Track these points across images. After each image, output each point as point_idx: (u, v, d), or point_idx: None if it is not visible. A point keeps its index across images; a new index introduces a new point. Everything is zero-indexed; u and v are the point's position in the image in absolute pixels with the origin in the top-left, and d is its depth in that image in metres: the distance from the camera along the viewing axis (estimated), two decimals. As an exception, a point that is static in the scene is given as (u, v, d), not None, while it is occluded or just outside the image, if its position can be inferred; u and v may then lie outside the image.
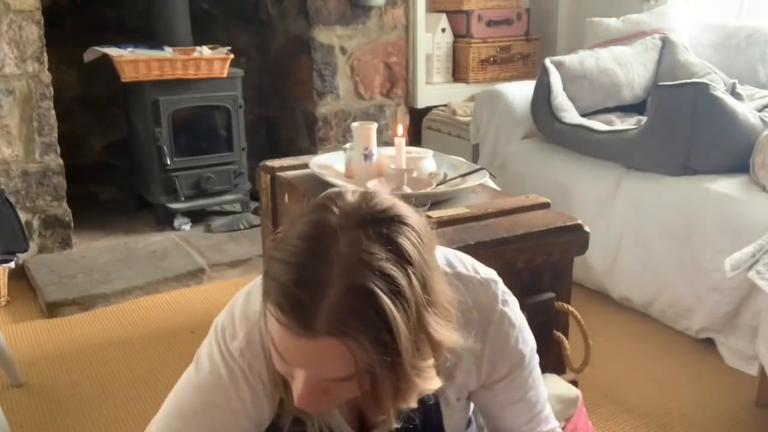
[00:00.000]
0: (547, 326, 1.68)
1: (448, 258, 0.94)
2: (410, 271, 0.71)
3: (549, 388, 1.49)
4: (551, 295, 1.70)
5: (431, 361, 0.75)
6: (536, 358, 1.01)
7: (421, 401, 0.86)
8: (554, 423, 1.04)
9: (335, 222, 0.72)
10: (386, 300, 0.69)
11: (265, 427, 0.92)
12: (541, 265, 1.68)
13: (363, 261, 0.70)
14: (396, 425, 0.81)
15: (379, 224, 0.73)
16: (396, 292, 0.69)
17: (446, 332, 0.75)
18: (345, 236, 0.71)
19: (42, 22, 2.84)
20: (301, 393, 0.74)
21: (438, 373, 0.79)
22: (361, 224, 0.72)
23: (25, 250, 2.49)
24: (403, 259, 0.71)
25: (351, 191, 0.77)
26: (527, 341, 0.97)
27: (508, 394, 0.98)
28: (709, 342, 2.33)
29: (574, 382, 1.71)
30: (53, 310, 2.62)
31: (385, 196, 0.76)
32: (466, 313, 0.86)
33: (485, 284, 0.93)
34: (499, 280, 0.96)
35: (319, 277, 0.69)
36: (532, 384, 0.99)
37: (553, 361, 1.70)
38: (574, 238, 1.71)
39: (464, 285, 0.88)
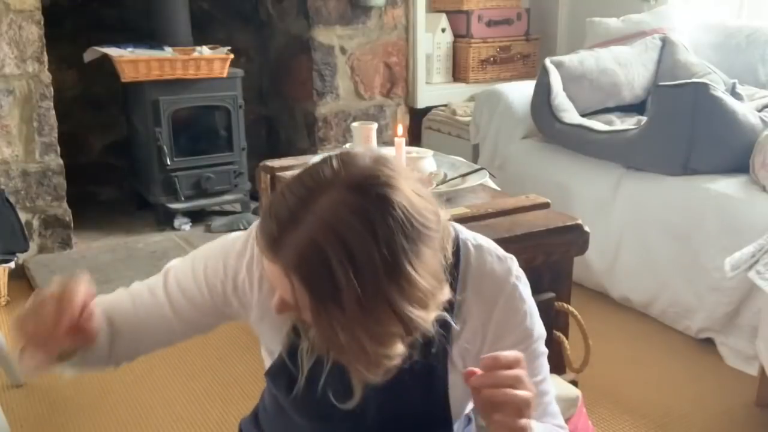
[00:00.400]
0: (547, 326, 1.67)
1: (476, 236, 0.99)
2: (374, 251, 0.75)
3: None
4: (551, 295, 1.70)
5: (392, 328, 0.79)
6: (543, 349, 1.01)
7: (429, 366, 0.92)
8: (562, 422, 1.03)
9: (328, 176, 0.78)
10: (337, 268, 0.74)
11: (251, 318, 0.99)
12: (541, 265, 1.68)
13: (332, 226, 0.75)
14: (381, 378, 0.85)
15: (365, 196, 0.76)
16: (351, 263, 0.74)
17: (415, 311, 0.78)
18: (330, 193, 0.76)
19: (42, 22, 2.84)
20: (275, 302, 0.83)
21: (412, 344, 0.84)
22: (349, 188, 0.76)
23: (25, 250, 2.50)
24: (371, 237, 0.75)
25: (366, 154, 0.81)
26: (535, 324, 0.98)
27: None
28: (709, 342, 2.33)
29: (574, 382, 1.71)
30: (53, 310, 2.62)
31: (390, 170, 0.79)
32: (480, 279, 0.93)
33: (503, 259, 0.98)
34: (516, 261, 1.00)
35: (292, 220, 0.76)
36: (538, 370, 0.99)
37: (553, 361, 1.70)
38: (574, 238, 1.71)
39: (483, 255, 0.95)
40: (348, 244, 0.74)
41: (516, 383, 0.79)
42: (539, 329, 0.99)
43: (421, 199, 0.80)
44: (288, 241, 0.76)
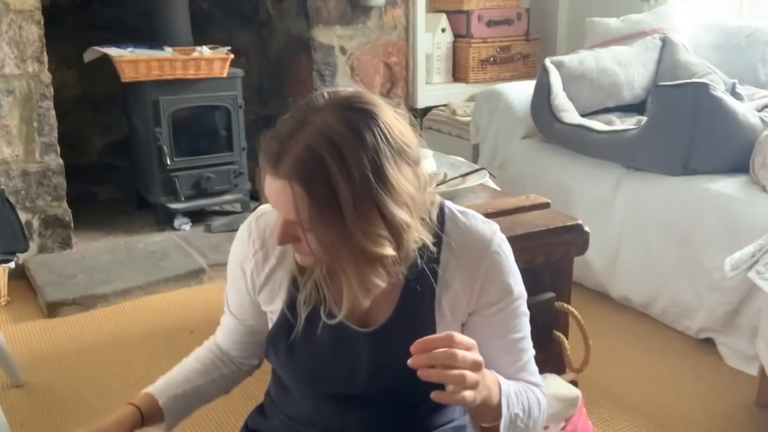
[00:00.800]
0: (547, 326, 1.68)
1: (461, 207, 1.09)
2: (362, 153, 0.87)
3: (549, 388, 1.49)
4: (551, 295, 1.69)
5: (381, 231, 0.90)
6: (525, 309, 1.07)
7: (418, 314, 1.01)
8: (540, 381, 1.10)
9: (321, 102, 0.91)
10: (332, 167, 0.86)
11: (265, 295, 1.08)
12: (541, 265, 1.68)
13: (326, 134, 0.88)
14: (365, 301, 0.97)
15: (353, 111, 0.90)
16: (343, 164, 0.87)
17: (398, 212, 0.90)
18: (323, 113, 0.89)
19: (42, 22, 2.85)
20: (277, 232, 0.93)
21: (401, 258, 0.95)
22: (339, 108, 0.90)
23: (25, 250, 2.49)
24: (359, 142, 0.88)
25: (352, 87, 0.97)
26: (517, 282, 1.06)
27: (493, 327, 1.04)
28: (709, 342, 2.33)
29: (574, 382, 1.71)
30: (53, 310, 2.62)
31: (373, 96, 0.93)
32: (467, 237, 1.03)
33: (488, 223, 1.07)
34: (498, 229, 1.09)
35: (291, 135, 0.89)
36: (518, 327, 1.06)
37: (553, 361, 1.70)
38: (574, 238, 1.71)
39: (468, 218, 1.05)
40: (340, 149, 0.87)
41: (451, 360, 0.85)
42: (520, 289, 1.06)
43: (400, 123, 0.93)
44: (288, 153, 0.88)
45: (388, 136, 0.90)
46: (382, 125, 0.90)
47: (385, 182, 0.89)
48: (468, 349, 0.88)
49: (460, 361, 0.86)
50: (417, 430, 1.08)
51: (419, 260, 0.97)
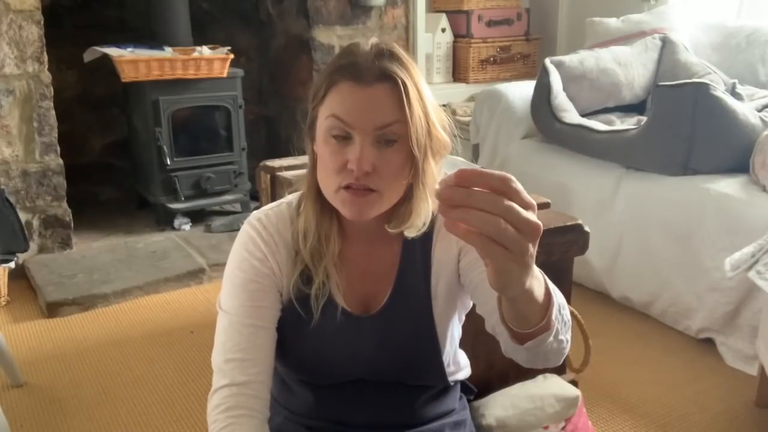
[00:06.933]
0: (547, 326, 1.68)
1: None
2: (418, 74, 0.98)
3: (549, 388, 1.50)
4: (551, 295, 1.69)
5: (435, 160, 0.99)
6: None
7: (415, 291, 1.04)
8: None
9: (360, 43, 0.98)
10: (406, 58, 0.97)
11: (285, 289, 1.05)
12: (541, 265, 1.67)
13: (385, 44, 0.97)
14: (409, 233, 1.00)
15: (390, 47, 0.98)
16: (411, 63, 0.98)
17: (443, 135, 0.99)
18: (366, 44, 0.98)
19: (42, 22, 2.85)
20: (357, 154, 0.93)
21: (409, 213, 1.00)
22: (378, 45, 0.98)
23: (25, 250, 2.49)
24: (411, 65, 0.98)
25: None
26: None
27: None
28: (709, 342, 2.33)
29: (574, 382, 1.71)
30: (53, 310, 2.62)
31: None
32: None
33: None
34: None
35: (357, 49, 0.97)
36: None
37: (553, 361, 1.70)
38: (574, 238, 1.71)
39: None
40: (399, 54, 0.97)
41: (506, 213, 0.63)
42: None
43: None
44: (367, 61, 0.95)
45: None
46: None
47: (429, 107, 0.98)
48: (527, 207, 0.65)
49: (511, 214, 0.63)
50: (418, 419, 1.10)
51: (418, 233, 1.01)
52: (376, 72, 0.94)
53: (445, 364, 1.10)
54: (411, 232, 1.01)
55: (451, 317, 1.09)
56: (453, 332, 1.11)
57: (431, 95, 0.99)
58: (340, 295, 1.04)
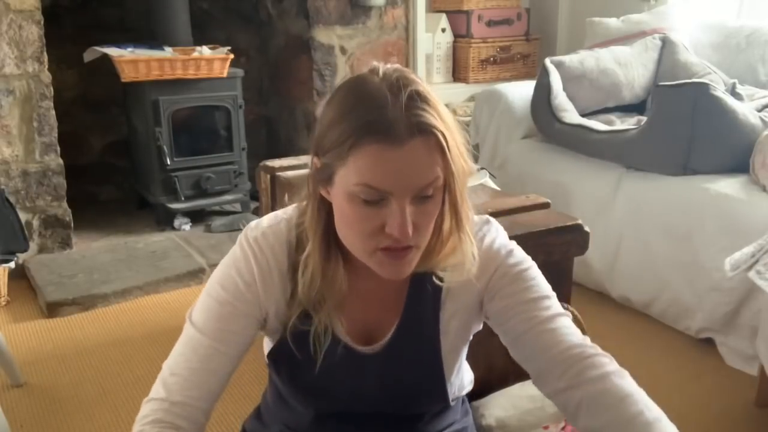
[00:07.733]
0: (547, 326, 1.68)
1: (505, 241, 1.04)
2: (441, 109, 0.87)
3: (549, 388, 1.49)
4: (551, 295, 1.69)
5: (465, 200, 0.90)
6: (544, 283, 1.05)
7: (423, 329, 0.98)
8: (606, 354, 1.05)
9: (375, 79, 0.86)
10: (431, 94, 0.85)
11: (268, 319, 0.99)
12: (541, 265, 1.67)
13: (405, 80, 0.85)
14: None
15: (413, 85, 0.85)
16: (438, 111, 0.86)
17: (471, 164, 0.89)
18: (383, 81, 0.85)
19: (42, 22, 2.84)
20: (398, 219, 0.84)
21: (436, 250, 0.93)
22: (397, 82, 0.85)
23: (25, 250, 2.50)
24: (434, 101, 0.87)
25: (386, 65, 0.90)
26: (519, 252, 1.04)
27: (519, 297, 0.99)
28: (709, 342, 2.33)
29: (574, 382, 1.71)
30: (53, 310, 2.62)
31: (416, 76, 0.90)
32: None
33: (506, 245, 1.04)
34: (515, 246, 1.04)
35: (381, 96, 0.83)
36: (543, 289, 1.04)
37: (553, 361, 1.70)
38: (574, 238, 1.70)
39: (485, 238, 1.01)
40: (421, 89, 0.85)
41: None
42: (522, 256, 1.03)
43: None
44: (395, 114, 0.82)
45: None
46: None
47: (455, 143, 0.89)
48: None
49: None
50: None
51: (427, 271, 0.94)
52: (410, 127, 0.82)
53: (450, 393, 1.06)
54: (460, 276, 0.95)
55: (461, 351, 1.05)
56: (461, 362, 1.07)
57: (451, 116, 0.89)
58: (343, 330, 0.99)
